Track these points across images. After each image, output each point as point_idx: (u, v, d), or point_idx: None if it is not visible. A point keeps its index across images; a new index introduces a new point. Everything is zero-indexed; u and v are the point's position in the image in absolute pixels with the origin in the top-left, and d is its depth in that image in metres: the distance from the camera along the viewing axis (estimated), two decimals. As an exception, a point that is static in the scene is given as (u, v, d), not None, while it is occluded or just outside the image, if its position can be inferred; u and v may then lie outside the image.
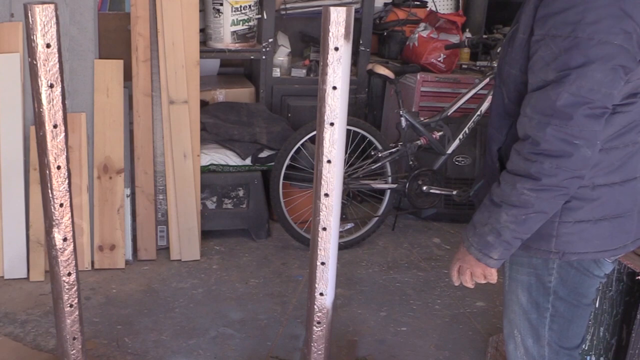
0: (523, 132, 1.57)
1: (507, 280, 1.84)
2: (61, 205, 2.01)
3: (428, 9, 4.71)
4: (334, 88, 1.90)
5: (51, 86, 1.89)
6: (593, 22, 1.46)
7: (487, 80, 3.79)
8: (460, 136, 3.79)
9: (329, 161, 1.97)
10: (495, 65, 3.76)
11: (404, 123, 3.72)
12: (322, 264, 2.09)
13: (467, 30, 4.66)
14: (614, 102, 1.53)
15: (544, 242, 1.68)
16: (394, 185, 3.77)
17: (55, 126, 1.93)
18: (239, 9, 3.88)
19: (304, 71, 4.20)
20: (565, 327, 1.80)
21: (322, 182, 1.99)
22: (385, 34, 4.55)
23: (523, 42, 1.61)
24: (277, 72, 4.15)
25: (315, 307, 2.15)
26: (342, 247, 3.55)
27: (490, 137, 1.79)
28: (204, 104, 3.86)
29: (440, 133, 3.77)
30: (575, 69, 1.47)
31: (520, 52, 1.62)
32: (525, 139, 1.56)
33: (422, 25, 4.35)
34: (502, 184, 1.61)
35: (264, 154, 3.72)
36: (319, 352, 2.22)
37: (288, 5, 4.15)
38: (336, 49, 1.86)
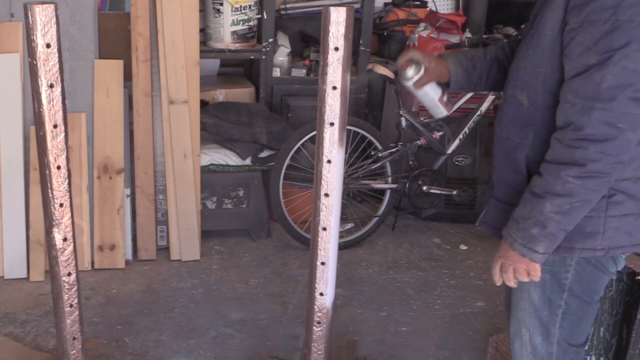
0: (564, 120, 1.56)
1: None
2: (61, 205, 2.01)
3: (428, 9, 4.71)
4: (334, 88, 1.90)
5: (51, 86, 1.89)
6: (633, 5, 1.47)
7: (487, 80, 3.78)
8: (460, 136, 3.79)
9: (329, 161, 1.97)
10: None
11: (404, 123, 3.72)
12: (322, 264, 2.09)
13: (467, 30, 4.66)
14: None
15: (590, 240, 1.67)
16: (394, 185, 3.78)
17: (55, 126, 1.93)
18: (239, 9, 3.88)
19: (304, 71, 4.20)
20: (575, 324, 1.80)
21: (322, 182, 1.99)
22: (385, 34, 4.55)
23: (552, 38, 1.61)
24: (277, 72, 4.15)
25: (315, 307, 2.15)
26: (342, 247, 3.54)
27: (513, 147, 1.74)
28: (204, 104, 3.86)
29: (440, 133, 3.77)
30: (618, 50, 1.48)
31: (549, 49, 1.62)
32: (567, 126, 1.55)
33: (422, 25, 4.35)
34: (544, 174, 1.59)
35: (264, 154, 3.72)
36: (319, 352, 2.22)
37: (288, 5, 4.15)
38: (336, 49, 1.86)
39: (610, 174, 1.54)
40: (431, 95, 2.09)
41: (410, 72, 2.01)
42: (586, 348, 2.33)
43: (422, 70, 2.00)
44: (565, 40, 1.57)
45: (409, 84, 2.03)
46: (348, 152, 3.62)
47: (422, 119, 3.79)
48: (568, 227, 1.60)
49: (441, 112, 2.16)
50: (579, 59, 1.54)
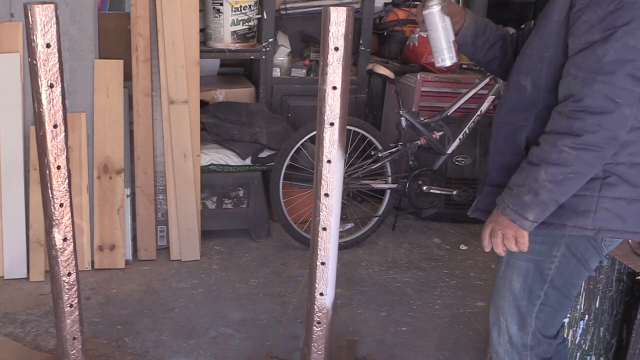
0: (566, 92, 1.62)
1: (503, 267, 1.87)
2: (61, 205, 2.01)
3: (428, 9, 4.71)
4: (334, 88, 1.90)
5: (51, 86, 1.89)
6: None
7: (487, 80, 3.79)
8: (460, 136, 3.79)
9: (329, 161, 1.97)
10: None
11: (404, 123, 3.72)
12: (322, 264, 2.09)
13: (467, 30, 4.66)
14: None
15: (582, 218, 1.70)
16: (394, 185, 3.78)
17: (55, 126, 1.93)
18: (239, 9, 3.88)
19: (304, 71, 4.20)
20: (551, 316, 1.85)
21: (322, 182, 1.99)
22: (385, 34, 4.55)
23: (558, 24, 1.67)
24: (277, 72, 4.15)
25: (315, 307, 2.15)
26: (342, 247, 3.55)
27: (515, 130, 1.78)
28: (204, 104, 3.86)
29: (440, 133, 3.77)
30: (621, 27, 1.55)
31: (555, 34, 1.68)
32: (568, 98, 1.61)
33: (422, 25, 4.34)
34: (541, 144, 1.65)
35: (264, 154, 3.72)
36: (319, 352, 2.22)
37: (288, 5, 4.15)
38: (336, 49, 1.86)
39: (605, 149, 1.59)
40: (449, 32, 1.98)
41: (438, 2, 1.95)
42: (584, 349, 2.34)
43: (445, 3, 1.97)
44: (571, 21, 1.64)
45: (436, 9, 1.95)
46: (348, 152, 3.62)
47: (422, 119, 3.79)
48: (560, 198, 1.65)
49: (452, 56, 2.01)
50: (583, 36, 1.60)
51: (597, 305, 2.29)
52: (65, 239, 2.05)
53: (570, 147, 1.59)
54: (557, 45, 1.68)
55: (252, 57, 4.10)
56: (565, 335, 2.31)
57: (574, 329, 2.34)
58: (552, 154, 1.61)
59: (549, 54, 1.70)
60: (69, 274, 2.10)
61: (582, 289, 2.28)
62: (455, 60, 2.02)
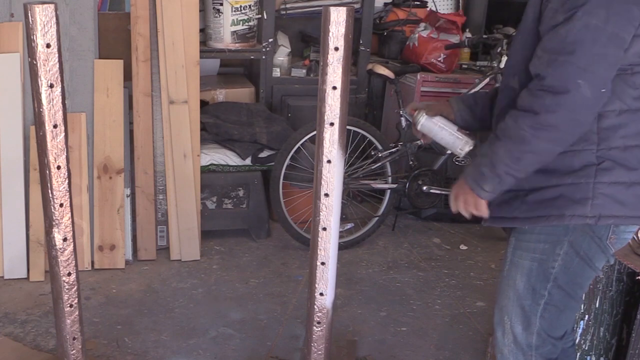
0: (533, 72, 1.64)
1: (507, 266, 1.87)
2: (61, 205, 2.01)
3: (428, 9, 4.71)
4: (334, 88, 1.90)
5: (51, 86, 1.90)
6: None
7: (487, 80, 3.79)
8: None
9: (329, 161, 1.97)
10: (496, 64, 3.76)
11: (404, 123, 3.72)
12: (322, 264, 2.09)
13: (467, 30, 4.66)
14: (625, 47, 1.57)
15: (580, 206, 1.69)
16: (394, 185, 3.78)
17: (55, 126, 1.93)
18: (239, 9, 3.88)
19: (304, 71, 4.20)
20: (556, 316, 1.84)
21: (322, 182, 1.99)
22: (385, 34, 4.55)
23: (535, 21, 1.69)
24: (277, 72, 4.15)
25: (315, 307, 2.16)
26: (342, 247, 3.54)
27: None
28: (204, 104, 3.86)
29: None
30: (581, 6, 1.55)
31: (532, 32, 1.70)
32: (534, 78, 1.63)
33: (422, 25, 4.35)
34: (507, 118, 1.67)
35: (264, 154, 3.72)
36: (319, 352, 2.22)
37: (288, 5, 4.15)
38: (336, 49, 1.86)
39: (563, 131, 1.60)
40: (449, 126, 2.04)
41: (421, 112, 2.05)
42: (584, 349, 2.34)
43: (428, 109, 2.06)
44: (541, 10, 1.67)
45: (423, 119, 2.04)
46: (348, 152, 3.62)
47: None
48: (516, 174, 1.66)
49: (466, 141, 2.02)
50: (550, 22, 1.62)
51: (597, 305, 2.29)
52: (65, 239, 2.05)
53: (529, 125, 1.60)
54: (534, 41, 1.69)
55: (252, 57, 4.10)
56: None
57: (574, 329, 2.34)
58: (512, 129, 1.64)
59: (527, 52, 1.71)
60: (69, 274, 2.10)
61: (583, 289, 2.28)
62: (471, 142, 2.04)
